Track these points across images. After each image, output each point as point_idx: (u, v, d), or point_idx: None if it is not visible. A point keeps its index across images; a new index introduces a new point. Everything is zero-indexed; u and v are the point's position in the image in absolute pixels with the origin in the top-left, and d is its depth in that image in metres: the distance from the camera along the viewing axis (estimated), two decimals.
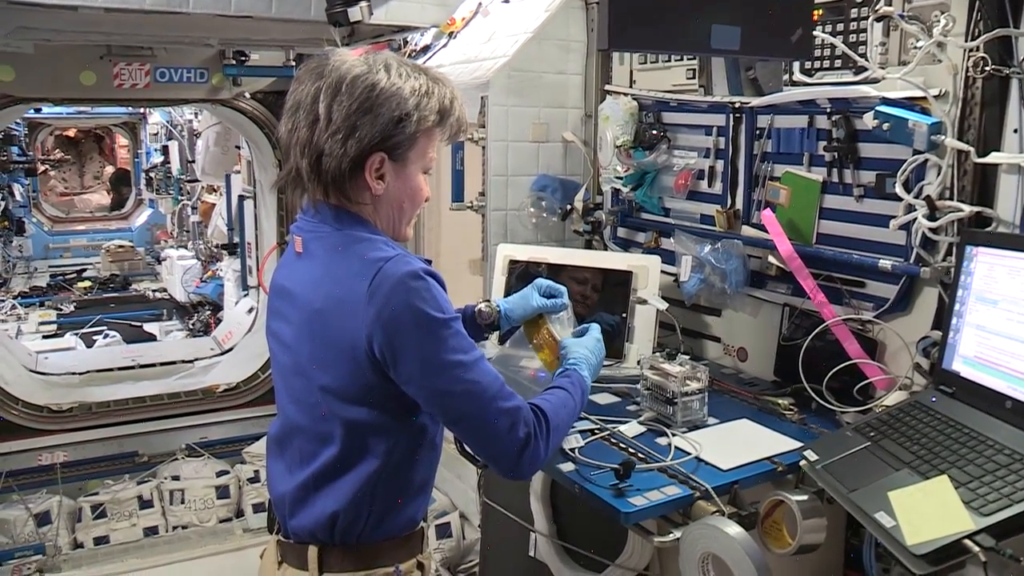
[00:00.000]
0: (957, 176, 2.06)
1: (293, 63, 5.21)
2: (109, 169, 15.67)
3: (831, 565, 2.25)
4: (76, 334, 8.22)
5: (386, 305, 1.55)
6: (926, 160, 2.09)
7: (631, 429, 2.18)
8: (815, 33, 2.29)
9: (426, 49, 3.65)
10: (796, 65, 2.42)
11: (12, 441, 5.01)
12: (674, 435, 2.12)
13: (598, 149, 3.18)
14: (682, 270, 2.73)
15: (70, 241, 13.55)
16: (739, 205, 2.71)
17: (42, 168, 14.41)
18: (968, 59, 1.99)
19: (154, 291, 10.74)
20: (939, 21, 2.00)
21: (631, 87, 3.12)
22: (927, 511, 1.53)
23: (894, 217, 2.19)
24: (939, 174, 2.07)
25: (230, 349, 6.47)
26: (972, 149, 2.00)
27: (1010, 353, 1.75)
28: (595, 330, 2.07)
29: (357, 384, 1.60)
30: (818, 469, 1.84)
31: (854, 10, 2.27)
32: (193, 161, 8.87)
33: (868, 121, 2.14)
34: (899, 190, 2.14)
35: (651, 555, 2.18)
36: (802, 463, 1.90)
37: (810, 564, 2.10)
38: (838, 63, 2.33)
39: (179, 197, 11.12)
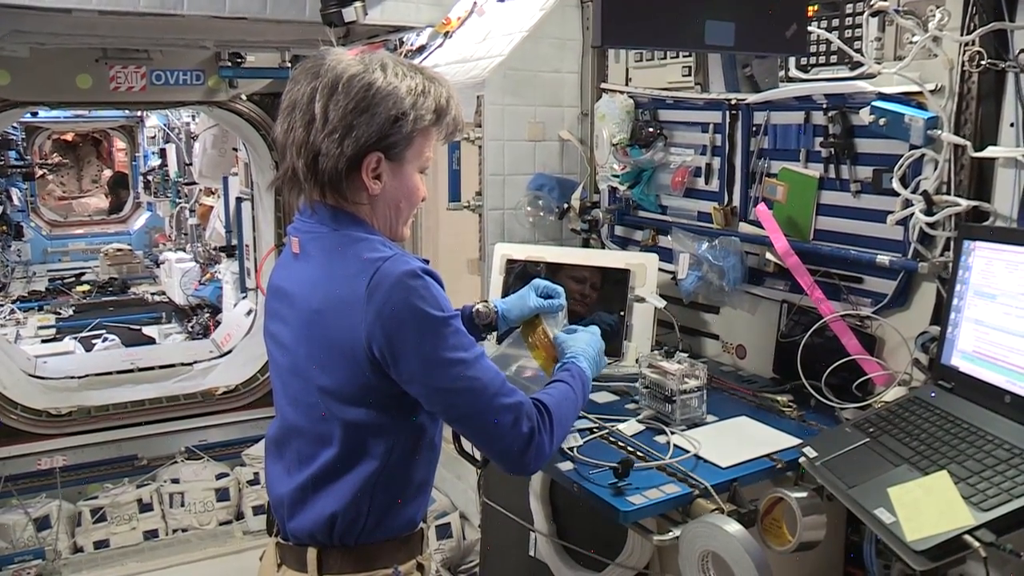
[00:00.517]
0: (954, 171, 2.05)
1: (289, 64, 5.21)
2: (107, 173, 15.69)
3: (832, 562, 2.24)
4: (75, 338, 8.21)
5: (385, 304, 1.54)
6: (923, 155, 2.09)
7: (630, 427, 2.18)
8: (810, 29, 2.28)
9: (422, 49, 3.64)
10: (792, 61, 2.42)
11: (11, 446, 4.99)
12: (673, 433, 2.12)
13: (595, 147, 3.18)
14: (680, 268, 2.72)
15: (68, 245, 13.55)
16: (736, 202, 2.70)
17: (40, 172, 14.42)
18: (964, 53, 1.99)
19: (153, 294, 10.75)
20: (934, 15, 1.99)
21: (627, 85, 3.12)
22: (927, 507, 1.53)
23: (891, 212, 2.18)
24: (936, 169, 2.06)
25: (229, 351, 6.46)
26: (969, 143, 1.99)
27: (1008, 347, 1.75)
28: (592, 328, 2.07)
29: (356, 384, 1.60)
30: (817, 466, 1.84)
31: (849, 5, 2.27)
32: (191, 164, 8.87)
33: (864, 116, 2.14)
34: (896, 185, 2.14)
35: (651, 554, 2.17)
36: (801, 460, 1.89)
37: (811, 561, 2.10)
38: (834, 59, 2.33)
39: (177, 200, 11.11)
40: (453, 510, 4.18)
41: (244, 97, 5.44)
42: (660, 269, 2.71)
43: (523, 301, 2.13)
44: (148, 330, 8.90)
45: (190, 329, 8.74)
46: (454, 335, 1.59)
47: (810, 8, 2.30)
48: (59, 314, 9.76)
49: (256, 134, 5.63)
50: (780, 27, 1.75)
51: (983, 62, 1.94)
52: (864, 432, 1.87)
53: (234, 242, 6.98)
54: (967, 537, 1.43)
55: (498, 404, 1.62)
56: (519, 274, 2.77)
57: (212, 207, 8.73)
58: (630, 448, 2.07)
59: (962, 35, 1.98)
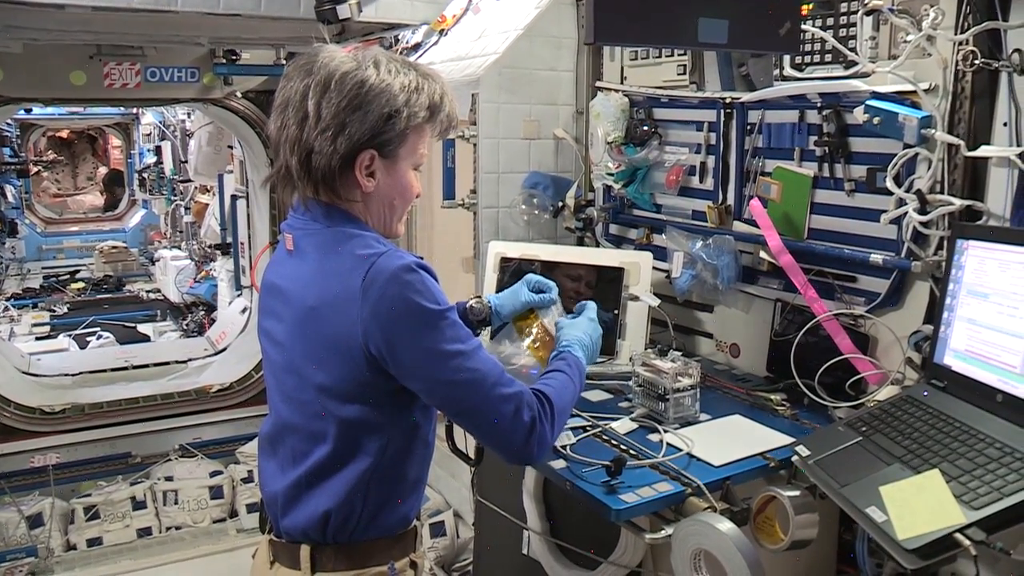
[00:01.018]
0: (948, 170, 2.06)
1: (284, 61, 5.18)
2: (102, 170, 15.65)
3: (824, 560, 2.25)
4: (69, 335, 8.19)
5: (381, 300, 1.54)
6: (916, 154, 2.09)
7: (623, 426, 2.18)
8: (805, 27, 2.28)
9: (417, 47, 3.63)
10: (786, 60, 2.42)
11: (4, 443, 4.97)
12: (666, 431, 2.12)
13: (589, 146, 3.18)
14: (674, 266, 2.72)
15: (63, 242, 13.52)
16: (731, 201, 2.71)
17: (35, 169, 14.40)
18: (958, 52, 1.99)
19: (148, 292, 10.72)
20: (928, 14, 1.99)
21: (622, 83, 3.12)
22: (918, 505, 1.53)
23: (885, 211, 2.19)
24: (930, 168, 2.07)
25: (224, 349, 6.45)
26: (962, 143, 2.00)
27: (1001, 347, 1.75)
28: (589, 310, 2.07)
29: (353, 381, 1.60)
30: (810, 464, 1.84)
31: (844, 4, 2.27)
32: (186, 161, 8.85)
33: (858, 115, 2.14)
34: (890, 184, 2.14)
35: (644, 552, 2.17)
36: (794, 459, 1.89)
37: (803, 559, 2.11)
38: (828, 57, 2.33)
39: (172, 197, 11.09)
40: (447, 508, 4.18)
41: (239, 94, 5.43)
42: (654, 267, 2.71)
43: (515, 296, 2.13)
44: (143, 328, 8.88)
45: (185, 327, 8.73)
46: (451, 327, 1.59)
47: (804, 7, 2.30)
48: (53, 311, 9.74)
49: (251, 131, 5.62)
50: (773, 25, 1.75)
51: (977, 61, 1.94)
52: (857, 431, 1.87)
53: (229, 240, 6.96)
54: (958, 535, 1.42)
55: (498, 394, 1.62)
56: (514, 272, 2.77)
57: (207, 204, 8.72)
58: (623, 446, 2.07)
59: (956, 34, 1.98)
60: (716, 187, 2.75)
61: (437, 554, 4.02)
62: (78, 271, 12.15)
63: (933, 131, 2.02)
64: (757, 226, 2.47)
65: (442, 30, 3.52)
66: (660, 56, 2.93)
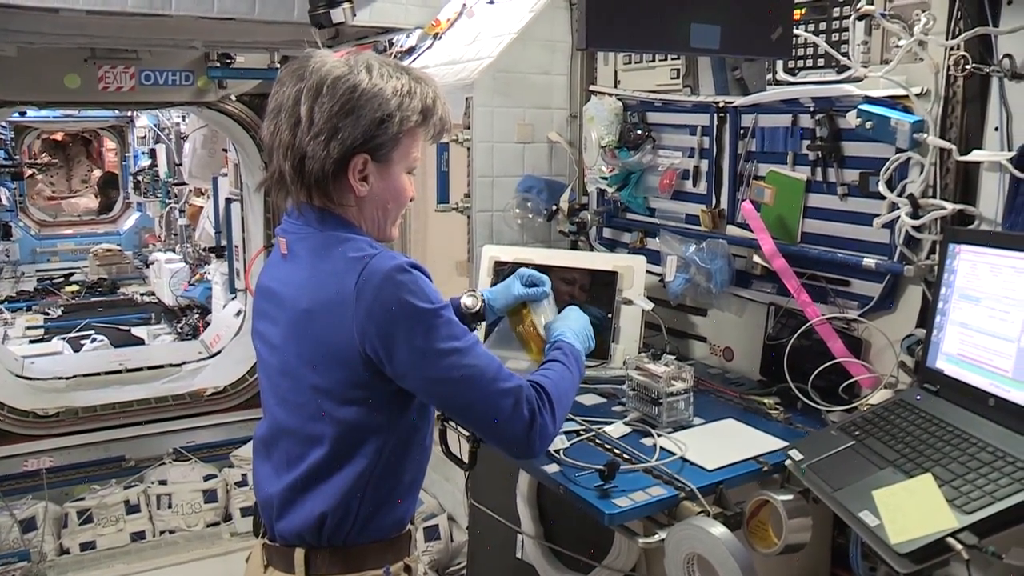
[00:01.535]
0: (940, 174, 2.06)
1: (278, 65, 5.19)
2: (97, 173, 15.61)
3: (818, 564, 2.25)
4: (63, 338, 8.16)
5: (375, 301, 1.55)
6: (909, 158, 2.10)
7: (616, 430, 2.18)
8: (798, 32, 2.29)
9: (411, 51, 3.64)
10: (779, 64, 2.43)
11: None
12: (659, 435, 2.12)
13: (583, 149, 3.18)
14: (667, 270, 2.73)
15: (57, 245, 13.47)
16: (724, 205, 2.71)
17: (29, 172, 14.32)
18: (949, 57, 2.00)
19: (142, 295, 10.69)
20: (920, 20, 2.00)
21: (616, 87, 3.12)
22: (911, 510, 1.53)
23: (878, 215, 2.19)
24: (922, 172, 2.07)
25: (218, 352, 6.44)
26: (954, 147, 2.00)
27: (992, 351, 1.75)
28: (574, 309, 2.09)
29: (349, 383, 1.60)
30: (803, 468, 1.84)
31: (836, 9, 2.28)
32: (180, 164, 8.83)
33: (851, 120, 2.15)
34: (882, 188, 2.15)
35: (638, 556, 2.17)
36: (787, 463, 1.90)
37: (797, 563, 2.11)
38: (821, 62, 2.33)
39: (167, 200, 11.06)
40: (441, 512, 4.18)
41: (233, 98, 5.42)
42: (648, 271, 2.71)
43: (508, 290, 2.15)
44: (137, 331, 8.84)
45: (179, 330, 8.70)
46: (446, 325, 1.60)
47: (797, 12, 2.32)
48: (48, 314, 9.70)
49: (245, 135, 5.61)
50: (765, 30, 1.76)
51: (968, 66, 1.95)
52: (850, 435, 1.87)
53: (223, 243, 6.95)
54: (950, 539, 1.43)
55: (497, 389, 1.62)
56: (507, 276, 2.77)
57: (202, 208, 8.69)
58: (616, 450, 2.07)
59: (947, 39, 1.99)
60: (709, 191, 2.75)
61: (431, 558, 4.02)
62: (72, 274, 12.10)
63: (925, 135, 2.03)
64: (750, 230, 2.48)
65: (436, 34, 3.54)
66: (654, 60, 2.94)
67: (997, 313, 1.76)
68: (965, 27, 1.95)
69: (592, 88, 3.23)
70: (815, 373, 2.22)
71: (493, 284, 2.77)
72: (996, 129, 1.96)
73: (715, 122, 2.71)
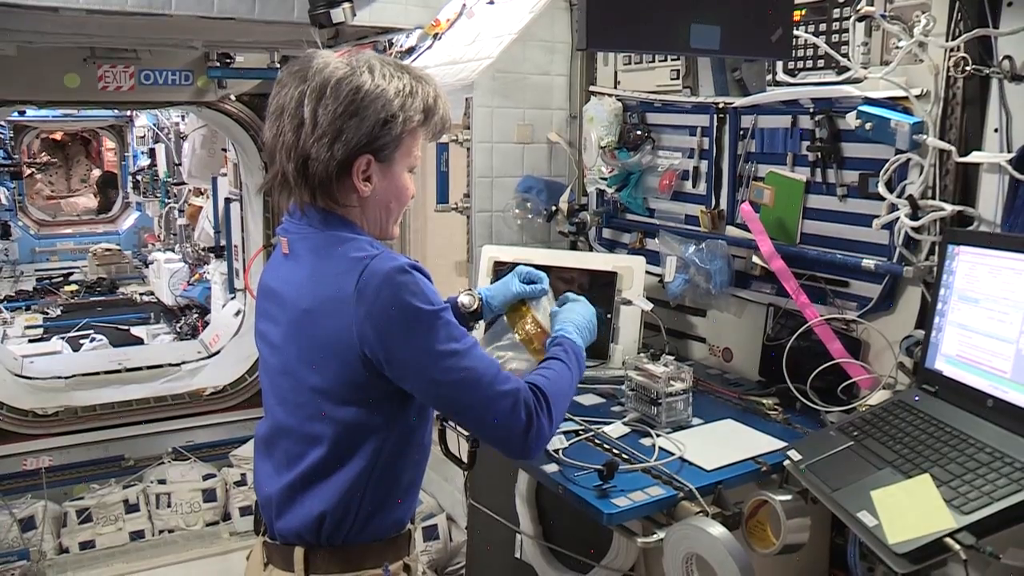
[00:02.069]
0: (939, 175, 2.07)
1: (278, 65, 5.19)
2: (96, 172, 15.59)
3: (817, 564, 2.25)
4: (63, 338, 8.15)
5: (375, 302, 1.55)
6: (908, 159, 2.11)
7: (615, 430, 2.18)
8: (798, 33, 2.30)
9: (411, 51, 3.63)
10: (779, 65, 2.43)
11: None
12: (658, 436, 2.13)
13: (583, 150, 3.18)
14: (667, 271, 2.73)
15: (57, 245, 13.44)
16: (723, 205, 2.71)
17: (28, 171, 14.32)
18: (949, 59, 2.00)
19: (141, 294, 10.68)
20: (920, 21, 2.01)
21: (615, 88, 3.13)
22: (909, 510, 1.53)
23: (877, 216, 2.20)
24: (921, 173, 2.08)
25: (217, 352, 6.44)
26: (954, 148, 2.01)
27: (991, 352, 1.76)
28: (579, 300, 2.07)
29: (348, 383, 1.60)
30: (802, 469, 1.85)
31: (836, 10, 2.29)
32: (180, 164, 8.83)
33: (851, 121, 2.15)
34: (882, 190, 2.15)
35: (636, 556, 2.18)
36: (786, 463, 1.90)
37: (796, 563, 2.11)
38: (821, 63, 2.34)
39: (166, 200, 11.06)
40: (440, 512, 4.18)
41: (233, 97, 5.41)
42: (647, 272, 2.71)
43: (506, 287, 2.13)
44: (136, 330, 8.84)
45: (178, 329, 8.70)
46: (445, 327, 1.60)
47: (797, 12, 2.32)
48: (47, 314, 9.69)
49: (245, 135, 5.61)
50: (765, 31, 1.76)
51: (968, 68, 1.95)
52: (848, 435, 1.88)
53: (223, 243, 6.95)
54: (948, 540, 1.43)
55: (494, 392, 1.62)
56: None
57: (201, 207, 8.69)
58: (615, 450, 2.07)
59: (947, 41, 1.99)
60: (709, 192, 2.76)
61: (430, 557, 4.02)
62: (71, 273, 12.08)
63: (925, 137, 2.03)
64: (749, 231, 2.48)
65: (436, 34, 3.53)
66: (653, 61, 2.94)
67: (996, 314, 1.76)
68: (965, 28, 1.95)
69: (592, 89, 3.23)
70: (814, 374, 2.23)
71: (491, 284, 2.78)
72: (996, 131, 1.96)
73: (715, 123, 2.71)
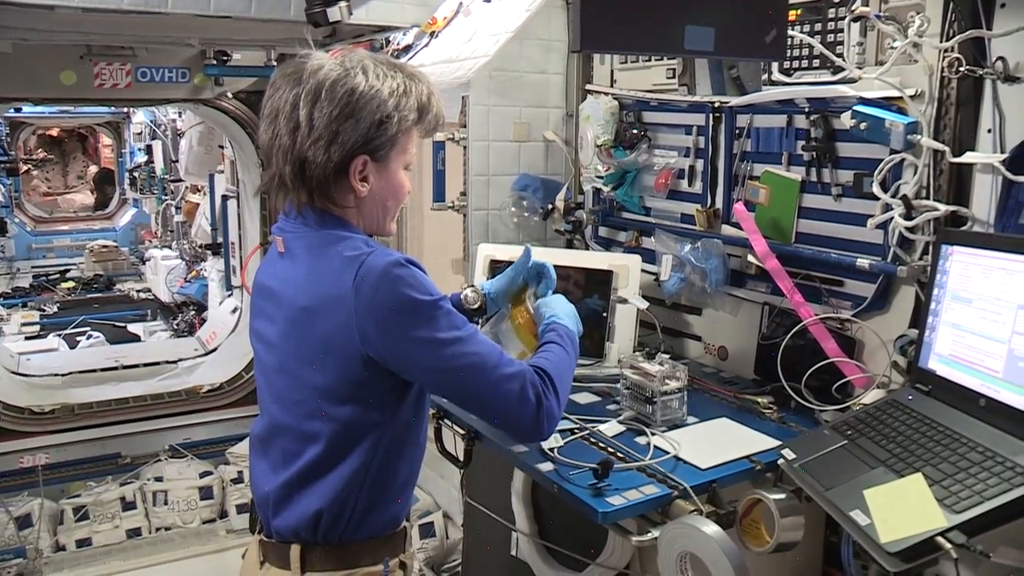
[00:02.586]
0: (933, 175, 2.08)
1: (275, 63, 5.18)
2: (93, 168, 15.57)
3: (811, 562, 2.26)
4: (59, 335, 8.14)
5: (374, 297, 1.56)
6: (903, 159, 2.11)
7: (611, 428, 2.19)
8: (793, 33, 2.30)
9: (408, 49, 3.63)
10: (775, 65, 2.44)
11: None
12: (653, 434, 2.13)
13: (579, 148, 3.19)
14: (663, 269, 2.74)
15: (53, 241, 13.42)
16: (719, 204, 2.72)
17: (24, 168, 14.29)
18: (943, 59, 2.00)
19: (138, 291, 10.66)
20: (914, 22, 2.01)
21: (612, 87, 3.13)
22: (901, 509, 1.54)
23: (872, 216, 2.20)
24: (915, 173, 2.08)
25: (214, 349, 6.44)
26: (948, 149, 2.02)
27: (984, 351, 1.76)
28: (558, 297, 2.07)
29: (346, 381, 1.61)
30: (796, 468, 1.85)
31: (831, 10, 2.29)
32: (177, 161, 8.82)
33: (846, 121, 2.16)
34: (876, 189, 2.16)
35: (632, 554, 2.18)
36: (780, 462, 1.91)
37: (790, 561, 2.12)
38: (816, 63, 2.34)
39: (163, 197, 11.05)
40: (436, 509, 4.19)
41: (230, 95, 5.42)
42: (643, 270, 2.72)
43: (513, 279, 2.12)
44: (133, 327, 8.83)
45: (175, 327, 8.69)
46: (446, 316, 1.61)
47: (793, 12, 2.33)
48: (43, 311, 9.68)
49: (242, 132, 5.61)
50: (760, 32, 1.76)
51: (962, 68, 1.96)
52: (842, 434, 1.88)
53: (219, 240, 6.95)
54: (939, 539, 1.44)
55: (501, 375, 1.64)
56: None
57: (198, 204, 8.68)
58: (610, 449, 2.08)
59: (941, 42, 2.00)
60: (705, 191, 2.77)
61: (427, 555, 4.03)
62: (68, 270, 12.06)
63: (919, 137, 2.03)
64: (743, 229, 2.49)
65: (432, 32, 3.53)
66: (650, 60, 2.95)
67: (988, 314, 1.77)
68: (959, 29, 1.96)
69: (588, 87, 3.23)
70: (809, 372, 2.23)
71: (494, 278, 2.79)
72: (989, 131, 1.97)
73: (710, 122, 2.72)
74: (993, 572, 1.56)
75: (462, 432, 2.39)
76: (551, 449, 2.03)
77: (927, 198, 2.08)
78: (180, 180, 9.29)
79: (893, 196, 2.13)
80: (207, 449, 5.47)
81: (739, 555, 1.64)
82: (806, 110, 2.38)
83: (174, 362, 6.33)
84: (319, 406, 1.63)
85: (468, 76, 3.08)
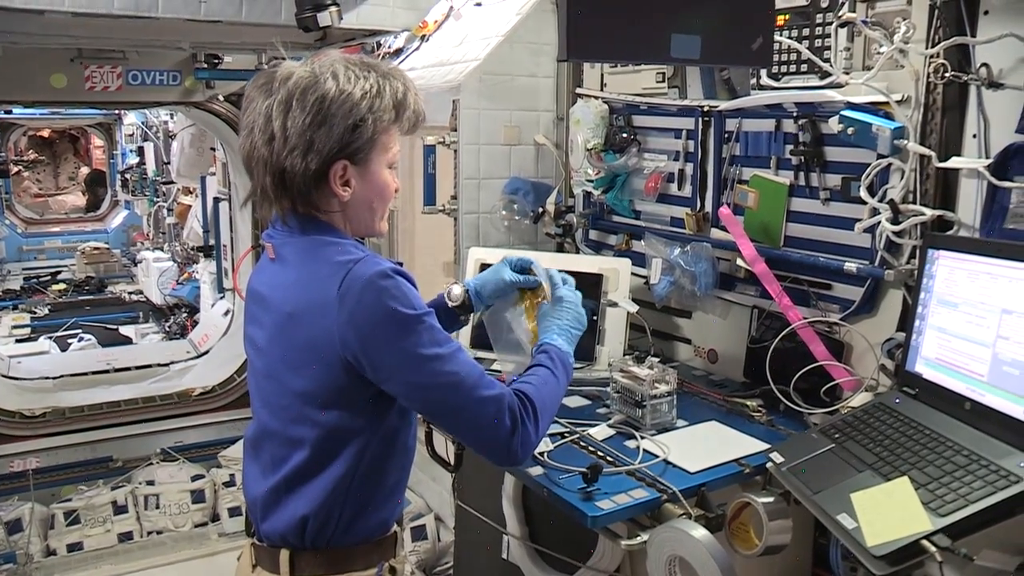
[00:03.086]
0: (920, 180, 2.09)
1: (266, 66, 5.18)
2: (84, 170, 15.51)
3: (800, 565, 2.27)
4: (50, 337, 8.13)
5: (358, 306, 1.55)
6: (890, 164, 2.12)
7: (600, 432, 2.20)
8: (780, 39, 2.31)
9: (399, 52, 3.64)
10: (763, 70, 2.45)
11: None
12: (643, 438, 2.14)
13: (569, 152, 3.19)
14: (652, 272, 2.75)
15: (44, 243, 13.37)
16: (708, 208, 2.73)
17: (15, 169, 14.24)
18: (929, 65, 2.02)
19: (130, 293, 10.65)
20: (901, 28, 2.02)
21: (602, 90, 3.14)
22: (887, 512, 1.55)
23: (859, 220, 2.21)
24: (902, 178, 2.10)
25: (206, 352, 6.43)
26: (934, 154, 2.03)
27: (969, 355, 1.78)
28: (567, 291, 2.04)
29: (329, 387, 1.61)
30: (784, 471, 1.86)
31: (819, 16, 2.30)
32: (168, 162, 8.80)
33: (833, 125, 2.16)
34: (864, 194, 2.17)
35: (621, 557, 2.19)
36: (768, 465, 1.92)
37: (779, 564, 2.13)
38: (804, 68, 2.35)
39: (155, 199, 11.03)
40: (428, 512, 4.19)
41: (221, 97, 5.41)
42: (633, 274, 2.73)
43: (497, 275, 2.10)
44: (125, 330, 8.83)
45: (167, 329, 8.69)
46: (428, 331, 1.60)
47: (780, 17, 2.34)
48: (34, 313, 9.66)
49: (233, 134, 5.59)
50: (746, 40, 1.77)
51: (947, 74, 1.97)
52: (830, 438, 1.90)
53: (211, 242, 6.94)
54: (924, 542, 1.45)
55: (478, 397, 1.62)
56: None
57: (190, 206, 8.67)
58: (600, 453, 2.09)
59: (927, 48, 2.01)
60: (694, 194, 2.78)
61: (418, 557, 4.04)
62: (59, 272, 12.03)
63: (905, 142, 2.05)
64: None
65: (423, 36, 3.54)
66: (639, 64, 2.95)
67: (973, 319, 1.78)
68: (944, 36, 1.97)
69: (578, 91, 3.24)
70: (797, 375, 2.24)
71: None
72: (974, 136, 1.98)
73: (700, 126, 2.73)
74: (977, 575, 1.57)
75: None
76: (541, 453, 2.04)
77: (914, 202, 2.09)
78: (172, 182, 9.26)
79: (880, 200, 2.14)
80: (199, 452, 5.45)
81: (727, 559, 1.65)
82: (794, 114, 2.39)
83: (166, 365, 6.32)
84: (303, 412, 1.64)
85: (459, 80, 3.09)
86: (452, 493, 2.84)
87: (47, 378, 5.92)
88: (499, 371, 2.23)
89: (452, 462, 2.51)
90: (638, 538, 1.80)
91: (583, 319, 2.02)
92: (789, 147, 2.43)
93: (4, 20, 3.60)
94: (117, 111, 11.54)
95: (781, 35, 2.33)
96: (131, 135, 11.84)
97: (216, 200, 6.62)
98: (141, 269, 10.46)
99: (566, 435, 2.17)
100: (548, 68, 3.34)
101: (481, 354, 2.43)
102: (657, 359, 2.31)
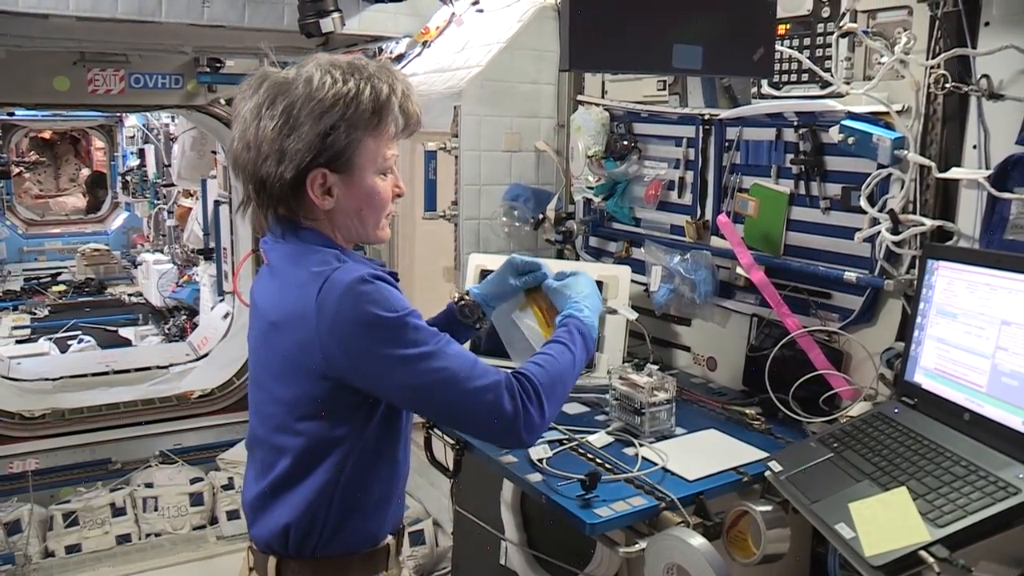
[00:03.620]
0: (920, 190, 2.10)
1: None
2: (85, 172, 15.52)
3: (798, 573, 2.27)
4: (50, 339, 8.13)
5: (337, 315, 1.52)
6: (890, 174, 2.13)
7: (599, 439, 2.20)
8: (781, 48, 2.32)
9: (400, 58, 3.65)
10: (764, 79, 2.45)
11: None
12: (642, 445, 2.14)
13: (570, 159, 3.20)
14: (652, 280, 2.75)
15: (45, 244, 13.38)
16: (708, 216, 2.74)
17: (16, 170, 14.24)
18: (929, 76, 2.03)
19: (130, 295, 10.66)
20: (902, 38, 2.04)
21: (603, 98, 3.14)
22: (885, 522, 1.56)
23: (859, 230, 2.22)
24: (902, 188, 2.10)
25: (206, 355, 6.43)
26: (934, 164, 2.04)
27: (968, 366, 1.78)
28: (580, 275, 2.01)
29: (308, 396, 1.59)
30: (782, 480, 1.87)
31: (820, 26, 2.30)
32: (169, 165, 8.81)
33: (834, 135, 2.17)
34: (864, 203, 2.18)
35: (619, 564, 2.19)
36: (767, 474, 1.92)
37: (777, 573, 2.13)
38: (805, 77, 2.36)
39: (155, 201, 11.04)
40: (426, 517, 4.20)
41: (223, 101, 5.43)
42: (633, 281, 2.73)
43: (502, 278, 2.06)
44: (124, 332, 8.82)
45: (167, 331, 8.69)
46: (413, 331, 1.56)
47: (782, 27, 2.35)
48: (34, 314, 9.67)
49: None
50: (747, 50, 1.78)
51: (947, 85, 1.98)
52: (828, 447, 1.90)
53: (211, 245, 6.95)
54: (922, 553, 1.45)
55: (473, 387, 1.59)
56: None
57: (190, 209, 8.68)
58: (599, 460, 2.09)
59: (928, 59, 2.02)
60: (694, 202, 2.78)
61: (416, 562, 4.04)
62: (59, 274, 12.04)
63: (906, 152, 2.05)
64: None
65: (425, 42, 3.55)
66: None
67: (973, 329, 1.79)
68: (944, 47, 1.98)
69: (579, 98, 3.25)
70: (796, 384, 2.23)
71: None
72: (974, 147, 1.99)
73: (700, 134, 2.73)
74: None
75: (451, 442, 2.39)
76: (539, 460, 2.04)
77: (914, 212, 2.09)
78: (172, 184, 9.28)
79: (880, 210, 2.15)
80: (198, 455, 5.46)
81: (724, 568, 1.65)
82: (795, 124, 2.39)
83: (165, 367, 6.32)
84: (285, 420, 1.62)
85: (460, 86, 3.10)
86: (450, 498, 2.84)
87: (47, 379, 5.92)
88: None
89: (451, 468, 2.51)
90: (636, 546, 1.81)
91: (599, 296, 1.97)
92: (789, 156, 2.43)
93: (9, 24, 3.61)
94: (118, 113, 11.55)
95: (782, 44, 2.34)
96: (132, 137, 11.85)
97: (216, 203, 6.63)
98: (141, 271, 10.47)
99: (565, 442, 2.18)
100: (549, 75, 3.34)
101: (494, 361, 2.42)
102: (656, 366, 2.32)
